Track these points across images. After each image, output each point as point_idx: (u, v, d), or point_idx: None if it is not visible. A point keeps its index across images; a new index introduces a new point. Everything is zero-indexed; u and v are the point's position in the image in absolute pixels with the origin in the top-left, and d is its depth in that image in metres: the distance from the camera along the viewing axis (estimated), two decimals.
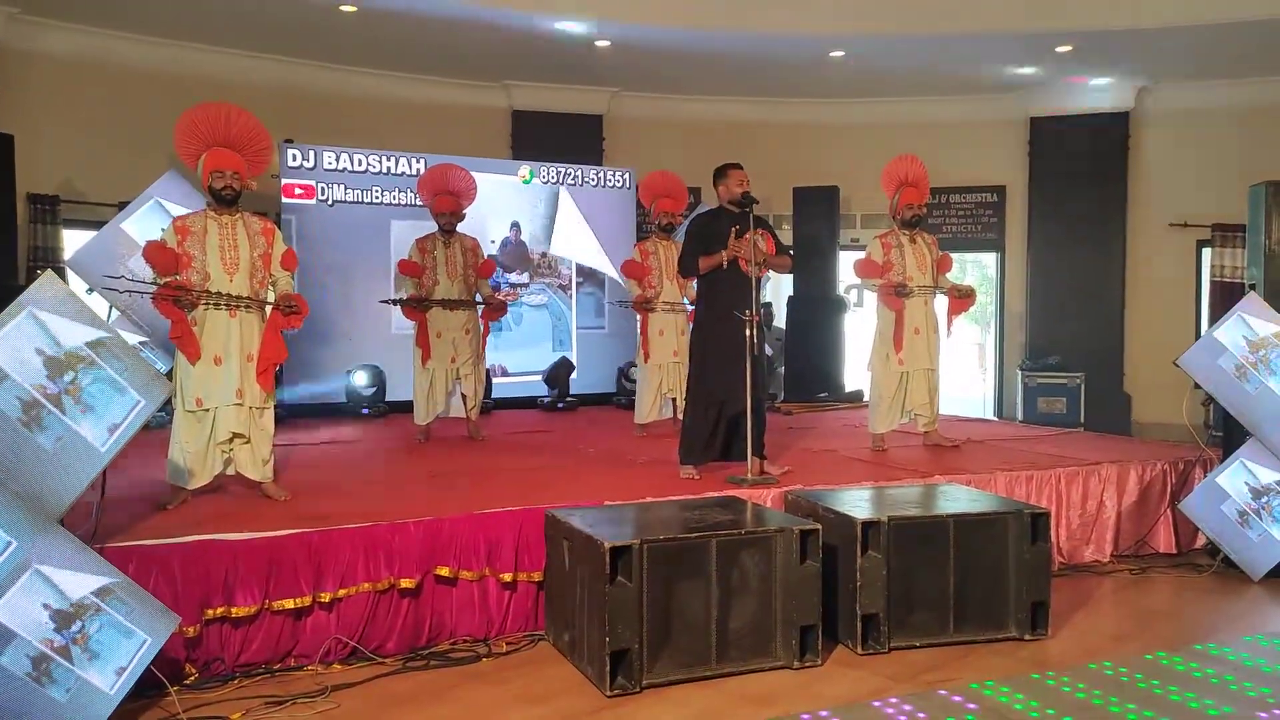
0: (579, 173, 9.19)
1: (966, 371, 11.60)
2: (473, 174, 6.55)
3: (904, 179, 5.79)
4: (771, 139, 10.20)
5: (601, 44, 8.65)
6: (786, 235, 9.91)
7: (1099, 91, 9.85)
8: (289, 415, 7.36)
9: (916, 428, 5.94)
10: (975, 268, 16.07)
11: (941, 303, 5.81)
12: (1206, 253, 9.72)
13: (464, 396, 6.36)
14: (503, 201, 8.81)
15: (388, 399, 7.96)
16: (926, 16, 8.18)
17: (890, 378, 5.74)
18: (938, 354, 5.84)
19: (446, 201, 6.28)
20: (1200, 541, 5.24)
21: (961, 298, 5.70)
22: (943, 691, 3.31)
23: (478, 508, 3.95)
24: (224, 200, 4.23)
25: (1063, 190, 10.05)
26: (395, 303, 6.20)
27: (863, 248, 6.19)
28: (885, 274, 5.69)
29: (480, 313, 6.38)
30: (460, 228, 6.37)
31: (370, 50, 8.82)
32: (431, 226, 6.37)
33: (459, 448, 6.13)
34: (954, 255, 6.23)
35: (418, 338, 6.22)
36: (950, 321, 5.79)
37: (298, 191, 8.05)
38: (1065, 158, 10.02)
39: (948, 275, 5.88)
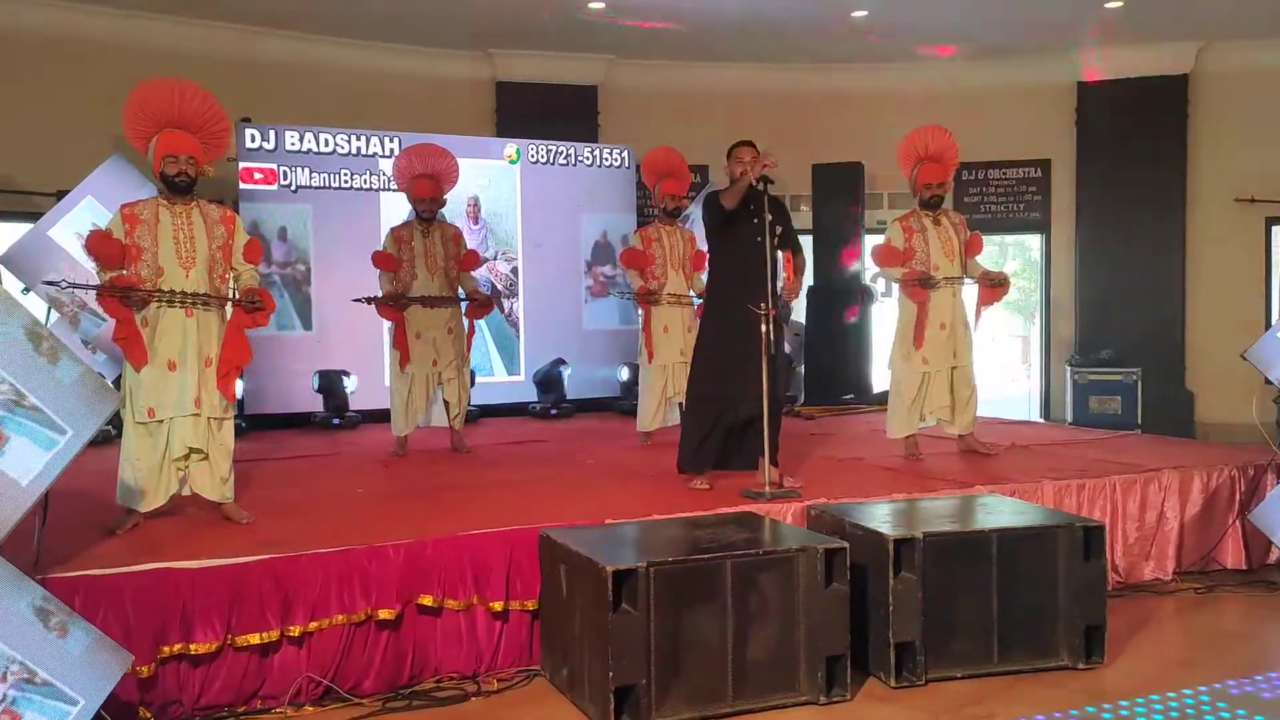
0: (572, 151, 9.19)
1: (1009, 368, 11.62)
2: (454, 155, 6.55)
3: (922, 153, 5.76)
4: (787, 110, 10.21)
5: (595, 4, 8.65)
6: (804, 218, 9.92)
7: (1154, 52, 9.85)
8: (250, 427, 7.37)
9: (948, 432, 5.93)
10: (1017, 251, 16.06)
11: (971, 292, 5.80)
12: (1277, 231, 9.72)
13: (446, 404, 6.37)
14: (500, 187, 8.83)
15: (361, 407, 7.97)
16: None
17: (910, 377, 5.74)
18: (969, 350, 5.82)
19: (425, 185, 6.27)
20: (1274, 556, 5.23)
21: (993, 287, 5.66)
22: None
23: (464, 528, 3.94)
24: (178, 188, 4.23)
25: (1114, 163, 10.06)
26: (369, 301, 6.21)
27: None
28: (907, 262, 5.69)
29: (464, 310, 6.39)
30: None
31: (336, 16, 8.82)
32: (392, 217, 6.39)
33: (441, 461, 6.12)
34: (993, 237, 6.25)
35: (394, 339, 6.23)
36: (979, 313, 5.76)
37: (257, 176, 8.06)
38: (1117, 127, 10.03)
39: (978, 259, 5.87)
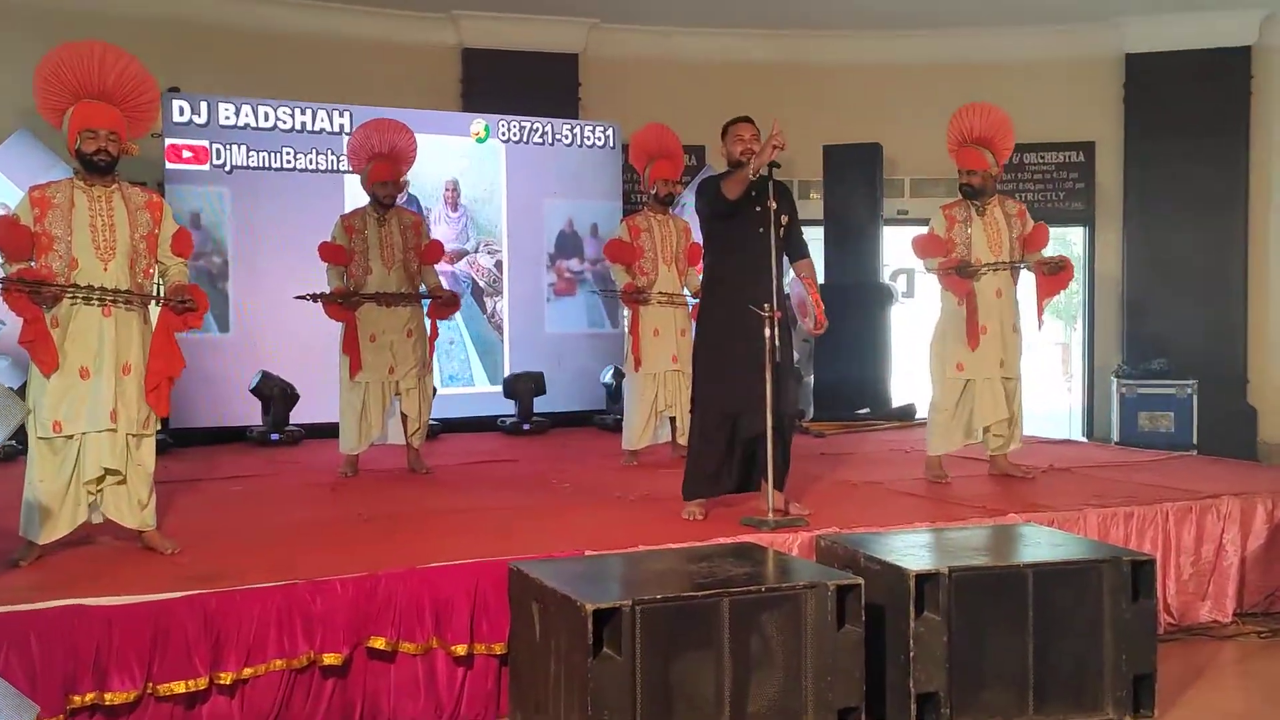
0: (549, 129, 9.22)
1: (1047, 379, 11.67)
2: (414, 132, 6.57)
3: (966, 135, 5.79)
4: (794, 83, 10.25)
5: None
6: (814, 206, 9.97)
7: (1213, 22, 9.92)
8: (175, 444, 7.36)
9: (986, 450, 5.96)
10: (1058, 246, 16.11)
11: (1026, 290, 5.82)
12: None
13: (404, 418, 6.37)
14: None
15: (304, 421, 7.96)
16: None
17: (948, 387, 5.78)
18: (1018, 358, 5.86)
19: (385, 168, 6.28)
20: None
21: (1052, 274, 5.68)
22: None
23: (422, 560, 3.95)
24: (97, 168, 4.22)
25: (1167, 147, 10.13)
26: (315, 298, 6.20)
27: (913, 221, 6.24)
28: (947, 253, 5.74)
29: (426, 309, 6.40)
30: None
31: None
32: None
33: (397, 483, 6.12)
34: None
35: (344, 343, 6.22)
36: (1041, 308, 5.79)
37: (186, 155, 8.05)
38: (1171, 106, 10.10)
39: (1041, 253, 5.87)
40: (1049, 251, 5.88)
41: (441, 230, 8.79)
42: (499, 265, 9.09)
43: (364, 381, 6.20)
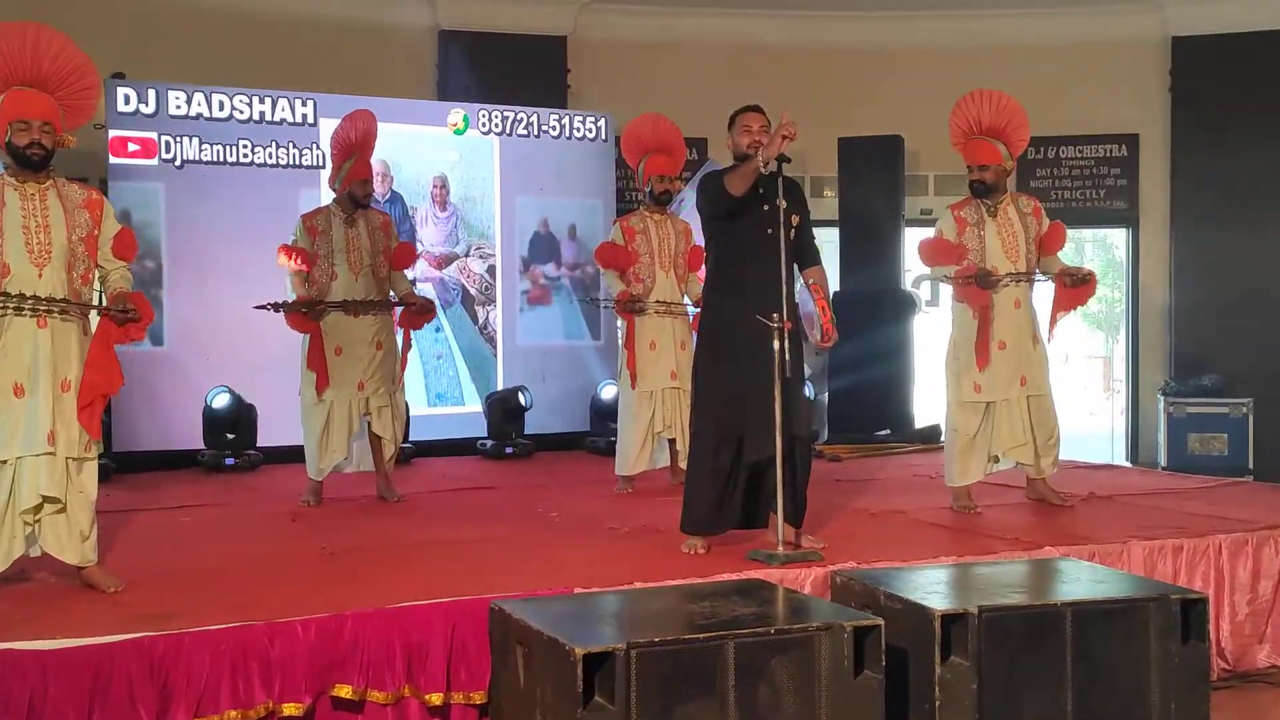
0: (534, 119, 9.24)
1: (1086, 397, 11.69)
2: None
3: (974, 126, 5.78)
4: (807, 69, 10.29)
5: None
6: (828, 205, 9.98)
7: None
8: (120, 469, 7.34)
9: (1030, 475, 5.94)
10: (1098, 249, 16.17)
11: (1045, 296, 5.83)
12: None
13: (376, 439, 6.35)
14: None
15: (261, 444, 7.96)
16: None
17: (967, 410, 5.76)
18: (1044, 371, 5.86)
19: (365, 165, 6.33)
20: None
21: (1074, 287, 5.69)
22: None
23: (393, 600, 3.93)
24: (30, 163, 4.22)
25: (1218, 139, 10.16)
26: (277, 308, 6.20)
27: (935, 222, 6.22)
28: (960, 259, 5.73)
29: (398, 318, 6.39)
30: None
31: None
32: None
33: (365, 513, 6.12)
34: (1068, 232, 6.21)
35: (309, 357, 6.22)
36: (1054, 321, 5.80)
37: (132, 148, 8.06)
38: (1221, 94, 10.13)
39: (1059, 255, 5.90)
40: (1067, 253, 5.88)
41: (429, 232, 8.81)
42: (491, 271, 9.10)
43: (330, 399, 6.19)
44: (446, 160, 8.90)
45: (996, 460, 5.84)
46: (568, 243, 9.31)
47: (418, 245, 8.68)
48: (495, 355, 9.09)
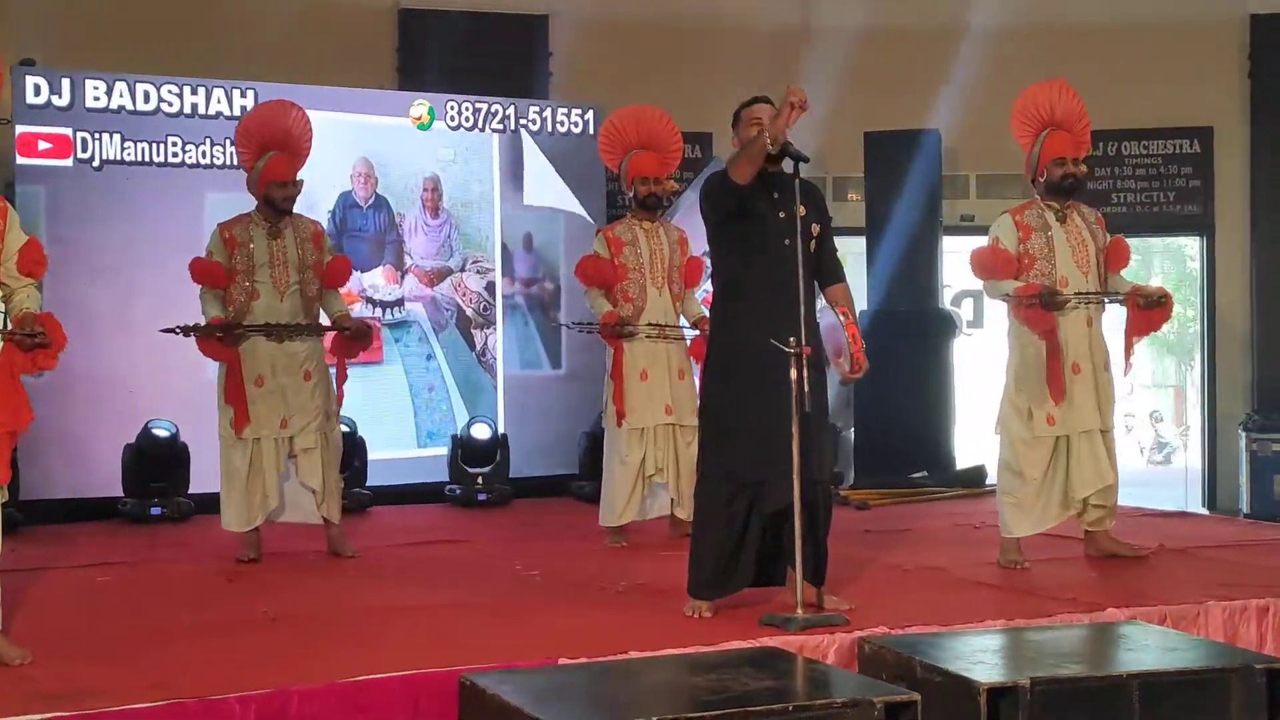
0: (510, 111, 9.28)
1: (1154, 432, 11.70)
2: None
3: (1049, 117, 5.85)
4: (825, 53, 10.27)
5: None
6: (853, 210, 10.01)
7: None
8: (29, 520, 7.33)
9: (1082, 525, 5.96)
10: (1167, 260, 16.14)
11: (1115, 319, 5.87)
12: None
13: (311, 491, 6.34)
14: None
15: (194, 490, 7.95)
16: None
17: (1034, 448, 5.77)
18: (1111, 404, 5.90)
19: (282, 164, 6.29)
20: None
21: (1149, 309, 5.74)
22: None
23: (346, 673, 3.93)
24: None
25: None
26: (188, 332, 6.18)
27: (980, 230, 6.28)
28: (1021, 273, 5.76)
29: (330, 344, 6.41)
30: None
31: None
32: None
33: (313, 572, 6.12)
34: (1131, 240, 6.25)
35: (225, 389, 6.20)
36: (1129, 348, 5.85)
37: (43, 146, 8.08)
38: None
39: (1123, 274, 5.96)
40: (1131, 267, 5.94)
41: (419, 242, 8.81)
42: (490, 288, 9.09)
43: (251, 438, 6.18)
44: (439, 159, 8.92)
45: (1083, 506, 5.80)
46: (521, 254, 9.27)
47: (406, 258, 8.74)
48: (495, 386, 9.08)
